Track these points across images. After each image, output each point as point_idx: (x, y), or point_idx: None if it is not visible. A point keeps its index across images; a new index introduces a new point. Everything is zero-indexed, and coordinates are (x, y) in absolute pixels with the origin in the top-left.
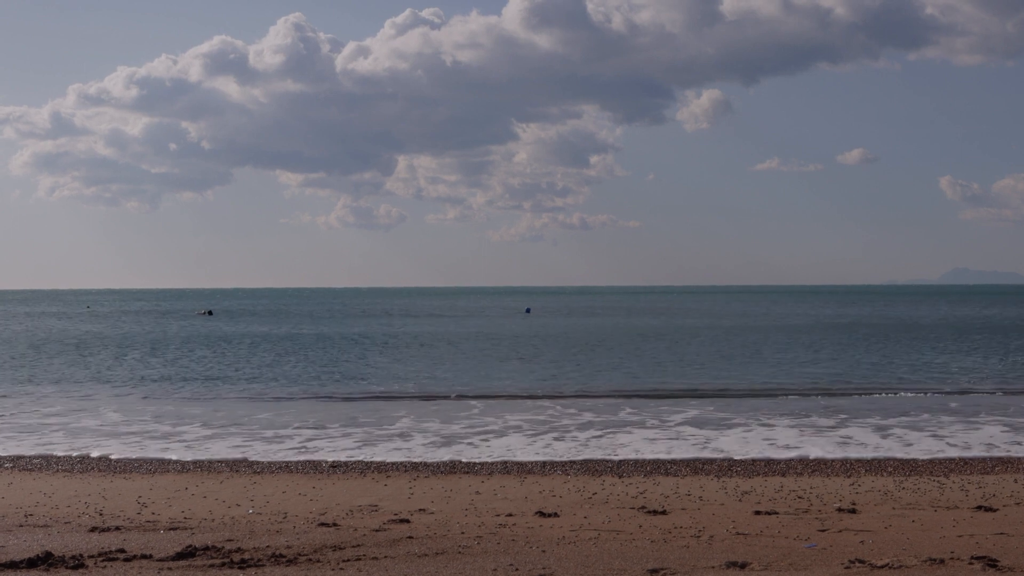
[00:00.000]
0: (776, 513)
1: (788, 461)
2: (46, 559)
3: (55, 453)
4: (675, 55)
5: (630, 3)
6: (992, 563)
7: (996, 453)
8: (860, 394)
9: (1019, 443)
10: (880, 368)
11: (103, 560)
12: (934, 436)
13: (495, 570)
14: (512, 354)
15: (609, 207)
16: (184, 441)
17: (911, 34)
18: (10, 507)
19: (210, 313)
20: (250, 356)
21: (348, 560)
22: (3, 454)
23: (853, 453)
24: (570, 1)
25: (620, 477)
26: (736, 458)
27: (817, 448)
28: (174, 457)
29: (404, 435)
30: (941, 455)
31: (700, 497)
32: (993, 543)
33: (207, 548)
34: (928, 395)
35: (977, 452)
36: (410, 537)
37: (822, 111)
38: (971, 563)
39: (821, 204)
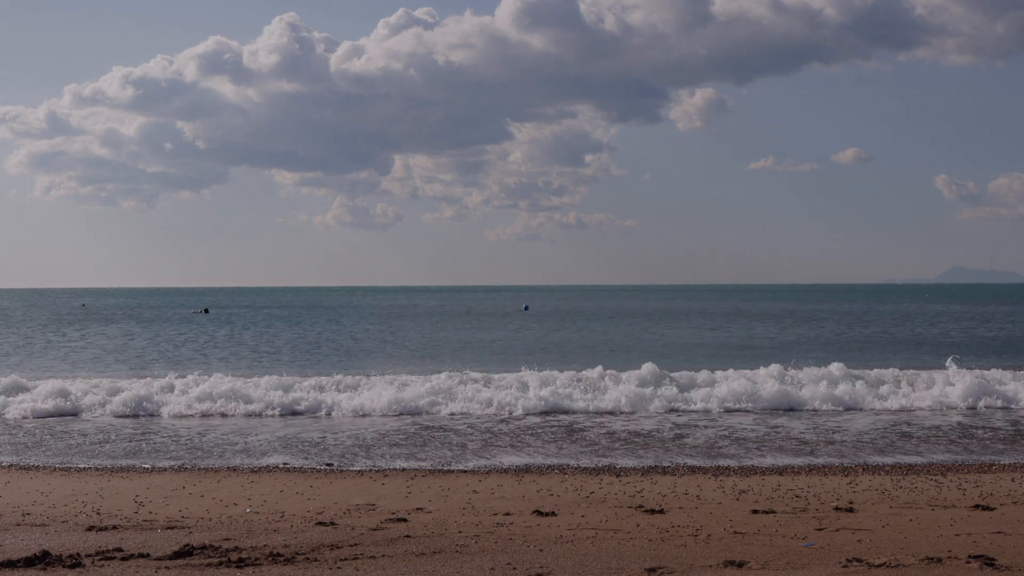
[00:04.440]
0: (774, 512)
1: (789, 461)
2: (43, 558)
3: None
4: (667, 55)
5: (622, 4)
6: (990, 562)
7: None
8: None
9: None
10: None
11: (100, 559)
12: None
13: (492, 569)
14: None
15: (606, 206)
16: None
17: (901, 35)
18: (7, 506)
19: (206, 311)
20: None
21: (346, 559)
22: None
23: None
24: (563, 2)
25: (618, 476)
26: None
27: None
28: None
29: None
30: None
31: (698, 496)
32: (991, 542)
33: (204, 547)
34: None
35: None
36: (407, 536)
37: (815, 111)
38: (968, 562)
39: (817, 203)
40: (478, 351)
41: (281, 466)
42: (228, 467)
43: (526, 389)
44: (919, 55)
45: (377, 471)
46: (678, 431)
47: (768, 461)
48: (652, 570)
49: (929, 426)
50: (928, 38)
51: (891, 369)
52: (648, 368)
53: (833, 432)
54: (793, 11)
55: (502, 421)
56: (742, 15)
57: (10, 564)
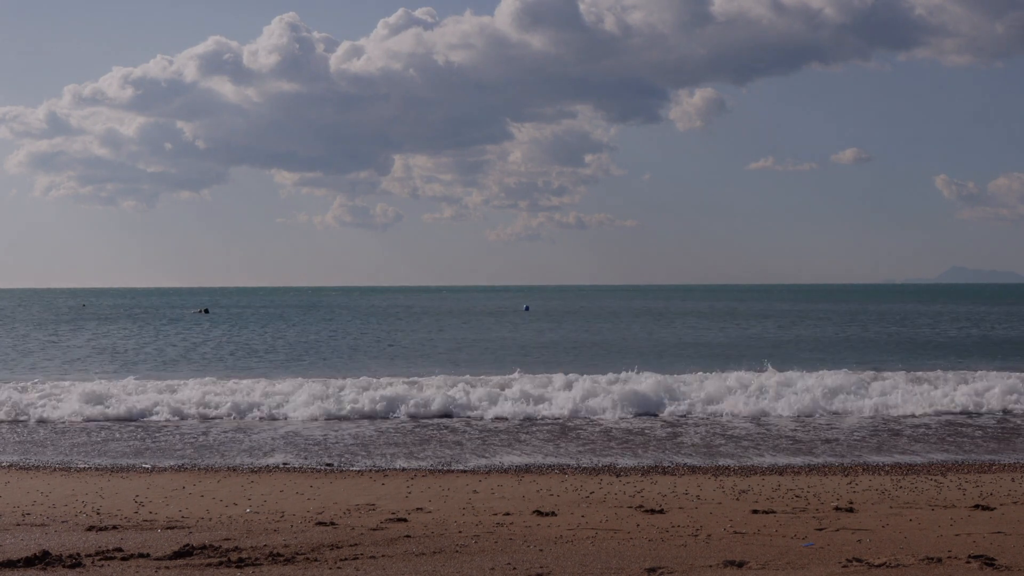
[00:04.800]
0: (774, 512)
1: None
2: (43, 558)
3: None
4: (667, 55)
5: (622, 4)
6: (989, 562)
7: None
8: None
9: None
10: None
11: (100, 559)
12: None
13: (492, 569)
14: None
15: (606, 206)
16: None
17: (901, 35)
18: (7, 506)
19: (206, 311)
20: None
21: (346, 559)
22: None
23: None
24: (562, 2)
25: (617, 476)
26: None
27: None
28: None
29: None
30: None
31: (697, 496)
32: (991, 542)
33: (204, 547)
34: None
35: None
36: (408, 536)
37: (815, 111)
38: (968, 562)
39: (817, 203)
40: (474, 351)
41: (281, 466)
42: (228, 467)
43: (518, 392)
44: (919, 55)
45: (377, 471)
46: (671, 429)
47: (767, 460)
48: (652, 570)
49: (918, 424)
50: (927, 38)
51: (900, 372)
52: (646, 375)
53: (826, 430)
54: (793, 11)
55: (498, 420)
56: (741, 15)
57: (10, 564)
